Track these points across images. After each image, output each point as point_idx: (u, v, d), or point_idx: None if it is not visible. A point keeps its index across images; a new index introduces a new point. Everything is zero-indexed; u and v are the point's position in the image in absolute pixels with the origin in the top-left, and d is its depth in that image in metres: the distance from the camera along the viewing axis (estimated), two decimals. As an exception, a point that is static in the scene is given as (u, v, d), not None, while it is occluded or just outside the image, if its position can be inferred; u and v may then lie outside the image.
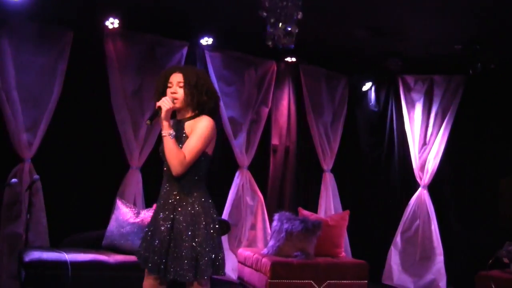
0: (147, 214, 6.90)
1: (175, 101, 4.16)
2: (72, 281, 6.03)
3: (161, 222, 4.15)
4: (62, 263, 6.07)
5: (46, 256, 6.13)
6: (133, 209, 7.09)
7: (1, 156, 6.37)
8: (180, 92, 4.18)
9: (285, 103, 9.21)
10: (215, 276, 4.82)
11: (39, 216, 7.21)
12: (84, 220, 7.43)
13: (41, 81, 7.38)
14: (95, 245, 6.95)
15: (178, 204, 4.12)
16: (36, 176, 6.95)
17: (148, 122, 4.16)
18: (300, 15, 5.65)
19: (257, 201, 8.74)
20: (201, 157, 4.13)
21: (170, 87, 4.22)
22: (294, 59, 9.06)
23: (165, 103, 4.07)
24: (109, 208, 7.51)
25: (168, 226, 4.10)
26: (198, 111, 4.24)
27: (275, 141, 9.13)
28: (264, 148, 9.05)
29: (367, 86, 9.62)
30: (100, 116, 7.75)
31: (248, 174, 8.71)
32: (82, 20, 7.54)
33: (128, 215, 6.98)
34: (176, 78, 4.22)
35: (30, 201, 6.88)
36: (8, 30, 7.16)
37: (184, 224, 4.05)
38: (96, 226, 7.38)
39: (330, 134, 9.41)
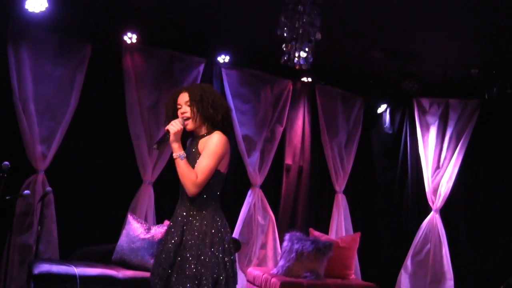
0: (157, 230, 6.89)
1: (186, 121, 4.17)
2: (81, 294, 6.05)
3: (169, 239, 4.15)
4: (71, 277, 6.08)
5: (56, 269, 6.13)
6: (144, 225, 7.08)
7: (15, 166, 6.36)
8: (189, 111, 4.20)
9: (300, 122, 9.19)
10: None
11: (50, 228, 7.22)
12: (95, 234, 7.47)
13: (58, 93, 7.41)
14: (105, 259, 6.96)
15: (186, 222, 4.11)
16: (48, 188, 6.96)
17: (155, 146, 4.20)
18: (318, 36, 5.65)
19: (268, 220, 8.71)
20: (216, 176, 4.13)
21: (179, 108, 4.24)
22: (310, 79, 9.05)
23: (173, 126, 4.08)
24: (121, 222, 7.50)
25: (176, 243, 4.09)
26: (211, 128, 4.24)
27: (288, 160, 9.10)
28: (277, 167, 9.03)
29: (382, 107, 9.58)
30: (115, 130, 7.77)
31: (260, 193, 8.68)
32: (101, 34, 7.60)
33: (139, 230, 6.98)
34: (184, 98, 4.24)
35: (42, 213, 6.89)
36: (28, 41, 7.21)
37: (191, 243, 4.04)
38: (106, 240, 7.39)
39: (344, 155, 9.38)
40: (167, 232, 4.23)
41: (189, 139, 4.34)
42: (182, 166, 4.02)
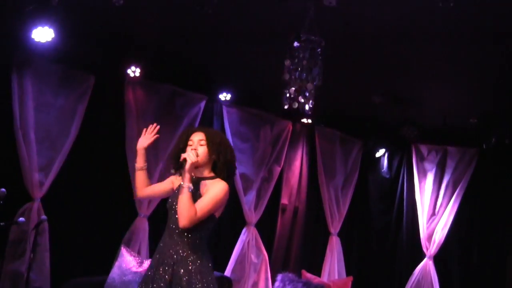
0: (150, 264, 6.87)
1: (197, 157, 4.19)
2: (70, 326, 6.02)
3: (157, 276, 4.13)
4: (61, 308, 6.05)
5: (46, 299, 6.11)
6: (137, 258, 7.06)
7: (11, 193, 6.36)
8: (201, 150, 4.23)
9: (298, 163, 9.24)
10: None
11: (43, 256, 7.19)
12: (87, 264, 7.42)
13: (59, 123, 7.44)
14: (96, 291, 6.93)
15: (178, 261, 4.10)
16: (43, 217, 6.93)
17: (173, 171, 4.29)
18: (319, 82, 5.71)
19: (261, 259, 8.70)
20: (211, 221, 4.17)
21: (191, 145, 4.27)
22: (310, 121, 9.12)
23: (190, 156, 4.10)
24: (114, 254, 7.47)
25: (167, 282, 4.08)
26: (215, 173, 4.27)
27: (284, 200, 9.13)
28: (273, 206, 9.07)
29: (380, 152, 9.63)
30: (113, 162, 7.78)
31: (254, 231, 8.69)
32: (104, 66, 7.64)
33: (131, 263, 6.96)
34: (198, 137, 4.29)
35: (35, 241, 6.85)
36: (32, 70, 7.24)
37: (182, 283, 4.03)
38: (99, 271, 7.34)
39: (340, 197, 9.41)
40: (149, 272, 4.22)
41: (174, 177, 4.42)
42: (186, 197, 3.99)
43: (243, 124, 8.68)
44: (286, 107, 5.76)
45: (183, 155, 4.13)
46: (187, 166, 4.06)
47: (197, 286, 4.04)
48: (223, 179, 4.25)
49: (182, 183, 4.07)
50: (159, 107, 8.05)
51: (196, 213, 4.00)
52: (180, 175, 4.25)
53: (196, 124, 8.16)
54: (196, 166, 4.23)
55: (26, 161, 7.14)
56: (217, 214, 4.24)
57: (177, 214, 4.11)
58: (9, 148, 7.10)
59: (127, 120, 7.84)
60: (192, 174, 4.25)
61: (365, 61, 7.00)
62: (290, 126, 9.11)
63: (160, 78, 8.04)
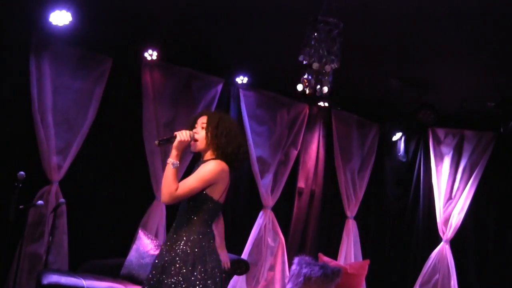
0: (168, 247, 6.90)
1: (193, 141, 4.20)
2: (88, 307, 6.06)
3: (158, 256, 4.20)
4: (79, 289, 6.10)
5: (64, 280, 6.13)
6: (155, 241, 7.11)
7: (30, 176, 6.42)
8: (202, 133, 4.22)
9: (314, 146, 9.22)
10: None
11: (61, 239, 7.26)
12: (105, 247, 7.48)
13: (76, 105, 7.47)
14: (113, 273, 6.96)
15: (174, 240, 4.11)
16: (62, 200, 7.00)
17: (156, 142, 4.21)
18: (337, 65, 5.69)
19: (278, 242, 8.72)
20: (203, 200, 4.10)
21: (195, 127, 4.28)
22: (327, 104, 9.10)
23: (182, 135, 4.09)
24: (131, 237, 7.53)
25: (162, 260, 4.11)
26: (216, 156, 4.23)
27: (301, 184, 9.12)
28: (290, 190, 9.05)
29: (397, 136, 9.59)
30: (130, 145, 7.82)
31: (271, 215, 8.69)
32: (122, 49, 7.65)
33: (149, 246, 7.00)
34: (201, 120, 4.28)
35: (54, 224, 6.92)
36: (50, 53, 7.27)
37: (173, 261, 4.04)
38: (116, 254, 7.41)
39: (356, 181, 9.39)
40: (160, 248, 4.26)
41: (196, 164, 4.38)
42: (169, 173, 3.98)
43: (259, 107, 8.66)
44: (303, 90, 5.75)
45: (176, 132, 4.13)
46: (175, 142, 4.07)
47: (193, 265, 4.03)
48: (226, 162, 4.21)
49: (168, 159, 4.06)
50: (176, 90, 8.07)
51: (176, 189, 3.96)
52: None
53: (213, 107, 8.18)
54: (199, 151, 4.26)
55: (44, 144, 7.18)
56: (216, 196, 4.16)
57: (184, 201, 4.15)
58: (27, 131, 7.15)
59: (144, 103, 7.86)
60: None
61: (382, 44, 6.95)
62: (307, 109, 9.08)
63: (177, 61, 8.03)
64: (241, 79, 8.39)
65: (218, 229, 4.60)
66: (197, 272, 4.02)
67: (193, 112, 7.99)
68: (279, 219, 8.77)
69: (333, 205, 9.38)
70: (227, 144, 4.22)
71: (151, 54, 7.77)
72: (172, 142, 4.10)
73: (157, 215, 7.80)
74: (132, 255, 7.04)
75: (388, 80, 8.01)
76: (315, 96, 7.99)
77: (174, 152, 4.06)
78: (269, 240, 8.63)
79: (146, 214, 7.79)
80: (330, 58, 5.66)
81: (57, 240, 7.17)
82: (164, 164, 7.65)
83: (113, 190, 7.66)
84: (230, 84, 8.48)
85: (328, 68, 5.60)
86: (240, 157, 4.35)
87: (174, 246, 4.08)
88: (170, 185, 3.97)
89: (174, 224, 4.22)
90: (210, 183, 4.09)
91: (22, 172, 6.24)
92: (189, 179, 4.06)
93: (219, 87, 8.29)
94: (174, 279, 3.99)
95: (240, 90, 8.53)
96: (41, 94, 7.21)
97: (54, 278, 6.13)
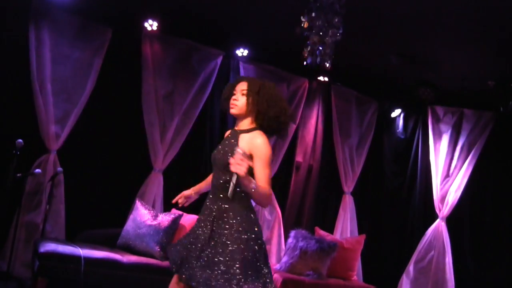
0: (164, 218, 6.92)
1: (233, 106, 4.22)
2: (84, 276, 6.05)
3: (200, 230, 4.15)
4: (76, 258, 6.09)
5: (61, 249, 6.15)
6: (152, 212, 7.12)
7: (28, 145, 6.42)
8: (242, 100, 4.19)
9: (313, 121, 9.20)
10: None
11: (58, 208, 7.28)
12: (102, 217, 7.51)
13: (75, 75, 7.47)
14: (110, 243, 6.98)
15: (219, 215, 4.09)
16: (59, 169, 7.00)
17: (230, 196, 3.95)
18: (339, 36, 5.67)
19: (275, 216, 8.73)
20: (251, 174, 4.00)
21: (234, 94, 4.25)
22: (326, 79, 9.08)
23: (239, 168, 3.76)
24: (128, 208, 7.56)
25: (206, 236, 4.08)
26: (257, 124, 4.22)
27: (299, 158, 9.12)
28: (288, 164, 9.06)
29: (396, 112, 9.59)
30: (129, 116, 7.82)
31: (268, 188, 8.68)
32: (121, 19, 7.64)
33: (146, 216, 7.01)
34: (241, 87, 4.24)
35: (51, 193, 6.93)
36: (49, 22, 7.26)
37: (223, 237, 4.03)
38: (112, 224, 7.43)
39: (354, 157, 9.39)
40: (196, 225, 4.22)
41: (230, 130, 4.36)
42: (260, 193, 3.92)
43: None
44: (304, 61, 5.74)
45: (232, 169, 3.81)
46: (242, 180, 3.84)
47: (238, 240, 4.01)
48: (264, 132, 4.18)
49: (247, 189, 3.88)
50: (176, 62, 8.05)
51: (268, 191, 3.98)
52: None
53: (212, 80, 8.18)
54: (238, 118, 4.26)
55: (43, 113, 7.19)
56: None
57: (220, 169, 4.14)
58: (26, 100, 7.15)
59: (144, 74, 7.84)
60: (235, 127, 4.31)
61: (383, 21, 6.93)
62: (306, 84, 9.05)
63: (178, 33, 8.00)
64: (241, 52, 8.37)
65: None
66: (247, 247, 4.02)
67: (193, 84, 8.04)
68: (276, 193, 8.74)
69: (331, 180, 9.38)
70: (268, 108, 4.17)
71: (151, 25, 7.76)
72: (238, 180, 3.87)
73: (155, 186, 7.82)
74: (129, 225, 7.05)
75: (389, 56, 7.98)
76: (315, 71, 8.05)
77: (245, 182, 3.83)
78: (266, 213, 8.65)
79: (143, 184, 7.81)
80: (331, 30, 5.65)
81: (54, 209, 7.19)
82: (162, 135, 7.75)
83: (111, 161, 7.67)
84: (230, 56, 8.45)
85: (328, 40, 5.59)
86: (284, 120, 4.28)
87: (219, 222, 4.07)
88: (266, 195, 3.98)
89: (211, 198, 4.20)
90: (272, 159, 4.15)
91: (20, 140, 6.24)
92: (264, 171, 4.01)
93: (219, 60, 8.27)
94: (222, 256, 3.97)
95: (240, 63, 8.50)
96: (40, 63, 7.21)
97: (51, 246, 6.14)
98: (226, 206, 4.09)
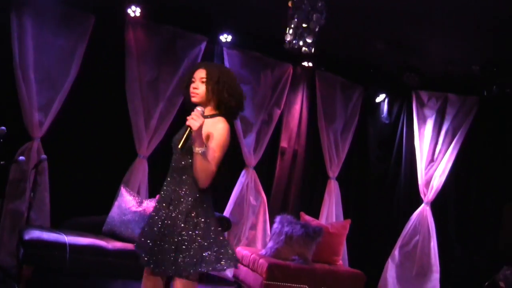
0: (149, 204, 6.93)
1: (193, 95, 4.17)
2: (70, 263, 6.07)
3: (156, 215, 4.16)
4: (61, 245, 6.11)
5: (46, 236, 6.16)
6: (137, 198, 7.12)
7: (11, 132, 6.40)
8: (201, 88, 4.16)
9: (298, 107, 9.20)
10: (212, 273, 4.77)
11: (43, 196, 7.27)
12: (87, 204, 7.49)
13: (58, 63, 7.45)
14: (95, 230, 6.99)
15: (174, 199, 4.09)
16: (43, 156, 6.99)
17: (179, 148, 3.99)
18: (323, 21, 5.68)
19: (260, 201, 8.74)
20: None
21: (193, 82, 4.21)
22: (311, 64, 9.08)
23: (194, 121, 3.88)
24: (113, 195, 7.54)
25: (162, 219, 4.08)
26: (219, 110, 4.21)
27: (284, 143, 9.12)
28: (273, 149, 9.06)
29: (381, 97, 9.60)
30: (113, 103, 7.81)
31: (254, 174, 8.71)
32: (104, 6, 7.59)
33: (131, 203, 7.02)
34: (200, 74, 4.20)
35: (35, 180, 6.93)
36: (31, 9, 7.23)
37: (176, 220, 4.03)
38: (98, 211, 7.42)
39: (339, 142, 9.39)
40: (154, 210, 4.24)
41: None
42: (202, 161, 3.91)
43: (243, 67, 8.60)
44: (288, 45, 5.74)
45: (187, 123, 3.92)
46: (194, 133, 3.90)
47: (193, 226, 4.02)
48: (225, 117, 4.17)
49: (194, 148, 3.92)
50: (160, 48, 8.03)
51: (213, 170, 3.97)
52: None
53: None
54: (195, 103, 4.19)
55: (26, 100, 7.18)
56: None
57: (177, 154, 4.13)
58: (8, 87, 7.13)
59: (127, 61, 7.82)
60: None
61: (368, 6, 6.92)
62: (290, 70, 9.03)
63: (161, 19, 7.97)
64: (225, 38, 8.34)
65: None
66: (201, 231, 4.03)
67: (177, 71, 8.03)
68: (261, 179, 8.79)
69: (316, 166, 9.39)
70: (230, 98, 4.18)
71: (134, 11, 7.71)
72: (190, 134, 3.94)
73: (139, 173, 7.83)
74: (114, 211, 7.05)
75: (374, 41, 7.99)
76: (299, 56, 8.04)
77: (198, 140, 3.90)
78: (251, 199, 8.66)
79: (128, 171, 7.81)
80: (315, 14, 5.65)
81: (39, 197, 7.18)
82: (146, 122, 7.75)
83: (95, 147, 7.65)
84: (214, 42, 8.42)
85: (312, 24, 5.59)
86: (242, 107, 4.33)
87: (174, 205, 4.07)
88: (209, 168, 3.94)
89: (169, 181, 4.19)
90: (228, 146, 4.09)
91: (3, 127, 6.23)
92: (215, 153, 4.00)
93: (203, 46, 8.24)
94: (177, 238, 3.98)
95: (224, 49, 8.48)
96: (23, 51, 7.20)
97: (35, 234, 6.15)
98: (183, 189, 4.09)
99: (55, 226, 7.11)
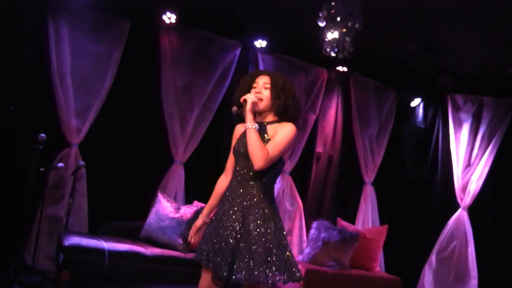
0: (187, 210, 6.94)
1: (259, 101, 4.16)
2: (109, 269, 6.10)
3: (228, 222, 4.08)
4: (100, 251, 6.13)
5: (85, 242, 6.19)
6: (174, 204, 7.13)
7: (49, 139, 6.45)
8: (265, 93, 4.18)
9: (333, 111, 9.14)
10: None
11: (80, 201, 7.31)
12: (123, 210, 7.55)
13: (95, 69, 7.48)
14: (132, 236, 7.02)
15: (248, 204, 4.06)
16: (81, 162, 7.04)
17: (235, 108, 4.16)
18: (358, 26, 5.64)
19: (296, 207, 8.70)
20: (279, 162, 4.12)
21: (255, 87, 4.22)
22: (345, 69, 9.03)
23: (250, 96, 4.08)
24: (149, 200, 7.58)
25: (237, 227, 4.03)
26: (280, 117, 4.21)
27: (319, 148, 9.08)
28: (308, 155, 9.02)
29: (415, 102, 9.50)
30: (149, 108, 7.83)
31: (289, 180, 8.68)
32: (140, 12, 7.65)
33: (168, 209, 7.03)
34: (263, 80, 4.23)
35: (74, 186, 6.97)
36: (67, 16, 7.28)
37: (255, 226, 3.99)
38: (134, 217, 7.47)
39: (374, 146, 9.33)
40: (219, 217, 4.15)
41: (239, 125, 4.34)
42: (255, 137, 3.97)
43: (277, 71, 8.46)
44: (324, 51, 5.71)
45: (243, 97, 4.10)
46: (248, 106, 4.04)
47: (267, 231, 3.98)
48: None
49: (246, 124, 4.03)
50: (194, 54, 8.04)
51: (268, 152, 3.96)
52: (242, 121, 4.20)
53: (231, 71, 8.18)
54: (260, 112, 4.20)
55: (64, 107, 7.23)
56: (285, 157, 4.21)
57: (247, 159, 4.07)
58: (46, 94, 7.19)
59: (162, 66, 7.85)
60: (256, 119, 4.21)
61: (401, 8, 6.87)
62: (325, 74, 8.99)
63: (196, 24, 7.99)
64: (260, 43, 8.33)
65: None
66: (279, 234, 4.05)
67: (211, 76, 8.04)
68: (297, 184, 8.75)
69: (351, 171, 9.33)
70: (294, 106, 4.21)
71: (169, 17, 7.75)
72: (244, 107, 4.07)
73: (176, 178, 7.84)
74: (152, 217, 7.07)
75: (407, 44, 7.93)
76: (333, 60, 8.00)
77: (250, 116, 4.04)
78: (287, 204, 8.62)
79: (165, 177, 7.83)
80: (351, 20, 5.62)
81: (76, 202, 7.23)
82: (182, 127, 7.76)
83: (132, 153, 7.68)
84: (248, 47, 8.41)
85: (349, 30, 5.56)
86: (299, 119, 4.35)
87: (250, 211, 4.04)
88: (262, 148, 3.97)
89: (235, 187, 4.15)
90: (292, 147, 4.19)
91: (43, 134, 6.29)
92: (277, 141, 4.04)
93: (238, 51, 8.26)
94: (261, 244, 3.94)
95: (259, 54, 8.46)
96: (60, 57, 7.25)
97: (75, 240, 6.18)
98: (254, 197, 4.07)
99: (92, 232, 7.17)
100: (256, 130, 4.00)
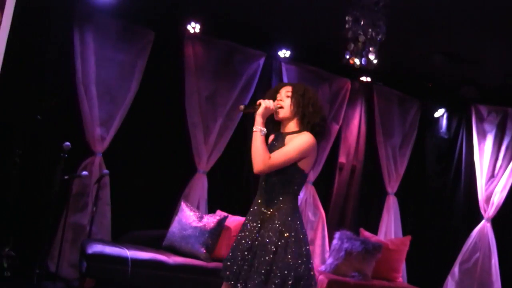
0: (209, 219, 6.95)
1: (279, 109, 4.15)
2: (131, 277, 6.15)
3: (246, 233, 4.10)
4: (123, 259, 6.19)
5: (109, 250, 6.24)
6: (197, 213, 7.14)
7: (74, 147, 6.51)
8: (287, 102, 4.17)
9: (356, 122, 9.12)
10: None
11: (104, 209, 7.34)
12: (146, 218, 7.58)
13: (119, 78, 7.53)
14: (155, 244, 7.04)
15: (264, 217, 4.05)
16: (105, 171, 7.09)
17: (242, 106, 4.20)
18: (382, 36, 5.65)
19: (318, 217, 8.69)
20: (294, 173, 4.05)
21: (277, 98, 4.23)
22: (369, 79, 9.02)
23: (266, 102, 4.08)
24: (172, 209, 7.60)
25: (253, 238, 4.04)
26: (302, 127, 4.16)
27: (342, 159, 9.05)
28: (331, 165, 9.00)
29: (439, 112, 9.46)
30: (172, 117, 7.86)
31: (312, 189, 8.66)
32: (164, 22, 7.70)
33: (191, 218, 7.04)
34: (285, 89, 4.23)
35: (97, 195, 7.01)
36: (93, 25, 7.34)
37: (267, 240, 3.97)
38: (157, 226, 7.49)
39: (397, 157, 9.29)
40: (243, 229, 4.17)
41: (273, 135, 4.32)
42: (259, 141, 3.95)
43: (301, 81, 8.52)
44: (348, 61, 5.72)
45: (259, 100, 4.10)
46: (260, 110, 4.03)
47: (286, 245, 3.95)
48: (312, 134, 4.13)
49: (254, 127, 4.02)
50: (218, 63, 8.07)
51: (269, 158, 3.93)
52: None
53: (255, 81, 8.20)
54: (281, 120, 4.21)
55: (88, 115, 7.28)
56: (306, 169, 4.11)
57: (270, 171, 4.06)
58: (71, 102, 7.24)
59: (186, 76, 7.88)
60: (281, 129, 4.25)
61: (425, 19, 6.86)
62: (348, 84, 8.98)
63: (220, 34, 8.02)
64: (284, 53, 8.35)
65: None
66: (290, 255, 3.95)
67: (235, 86, 8.06)
68: (319, 194, 8.73)
69: (374, 181, 9.29)
70: (314, 113, 4.16)
71: (193, 27, 7.78)
72: (256, 110, 4.07)
73: (199, 188, 7.85)
74: (175, 226, 7.09)
75: (431, 55, 7.91)
76: (357, 70, 8.00)
77: (259, 119, 4.03)
78: (310, 214, 8.61)
79: (188, 186, 7.84)
80: (376, 30, 5.62)
81: (100, 210, 7.26)
82: (206, 136, 7.78)
83: (155, 162, 7.70)
84: (272, 57, 8.43)
85: (373, 40, 5.57)
86: (324, 128, 4.27)
87: (265, 224, 4.03)
88: (263, 152, 3.94)
89: (258, 201, 4.15)
90: (305, 155, 4.04)
91: (67, 143, 6.36)
92: (283, 148, 4.01)
93: (261, 61, 8.28)
94: (265, 261, 3.91)
95: (282, 64, 8.47)
96: (85, 66, 7.30)
97: (98, 247, 6.22)
98: (271, 210, 4.06)
99: (115, 240, 7.20)
100: (263, 135, 3.98)
